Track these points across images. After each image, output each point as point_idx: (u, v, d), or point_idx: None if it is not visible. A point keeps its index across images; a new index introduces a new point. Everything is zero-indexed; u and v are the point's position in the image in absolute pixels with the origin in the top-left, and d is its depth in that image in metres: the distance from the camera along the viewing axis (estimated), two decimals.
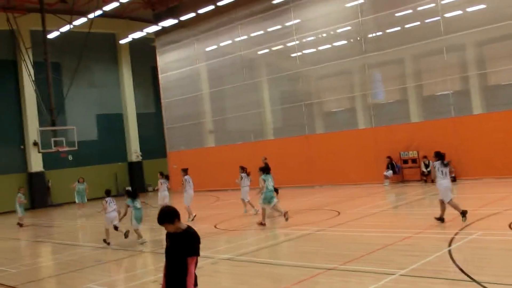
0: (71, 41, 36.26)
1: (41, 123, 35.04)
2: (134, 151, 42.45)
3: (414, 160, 26.37)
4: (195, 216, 19.94)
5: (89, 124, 40.66)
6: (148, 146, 43.16)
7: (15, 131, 37.09)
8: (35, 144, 35.54)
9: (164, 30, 37.21)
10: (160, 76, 39.69)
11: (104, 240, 16.52)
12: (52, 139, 31.68)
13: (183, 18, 33.76)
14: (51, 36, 33.80)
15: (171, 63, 38.72)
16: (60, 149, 31.63)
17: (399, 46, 26.92)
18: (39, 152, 32.39)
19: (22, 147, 37.17)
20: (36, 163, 37.09)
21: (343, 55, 28.88)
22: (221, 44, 35.03)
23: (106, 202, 16.60)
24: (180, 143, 38.52)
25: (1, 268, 14.31)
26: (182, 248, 5.69)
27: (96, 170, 39.97)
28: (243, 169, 20.90)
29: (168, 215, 5.76)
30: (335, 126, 29.83)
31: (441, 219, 13.88)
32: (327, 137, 29.84)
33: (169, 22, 34.57)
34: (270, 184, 16.99)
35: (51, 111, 31.93)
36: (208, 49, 36.10)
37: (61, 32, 34.32)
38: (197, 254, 5.73)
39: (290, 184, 30.17)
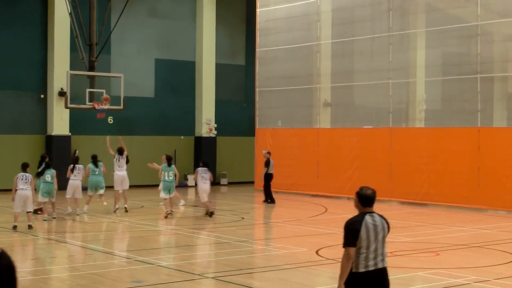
0: None
1: (74, 65, 35.40)
2: (207, 121, 42.66)
3: None
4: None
5: (144, 73, 41.08)
6: (229, 116, 43.52)
7: (34, 71, 37.64)
8: (62, 94, 36.10)
9: None
10: (258, 10, 39.74)
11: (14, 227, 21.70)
12: (88, 90, 31.87)
13: None
14: None
15: None
16: (98, 106, 31.88)
17: None
18: (66, 107, 32.90)
19: (42, 96, 37.79)
20: (60, 122, 37.58)
21: None
22: None
23: (17, 178, 21.85)
24: (277, 116, 38.67)
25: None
26: None
27: (145, 143, 40.32)
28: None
29: None
30: None
31: None
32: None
33: None
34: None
35: (91, 47, 32.20)
36: None
37: None
38: None
39: (448, 202, 29.91)
